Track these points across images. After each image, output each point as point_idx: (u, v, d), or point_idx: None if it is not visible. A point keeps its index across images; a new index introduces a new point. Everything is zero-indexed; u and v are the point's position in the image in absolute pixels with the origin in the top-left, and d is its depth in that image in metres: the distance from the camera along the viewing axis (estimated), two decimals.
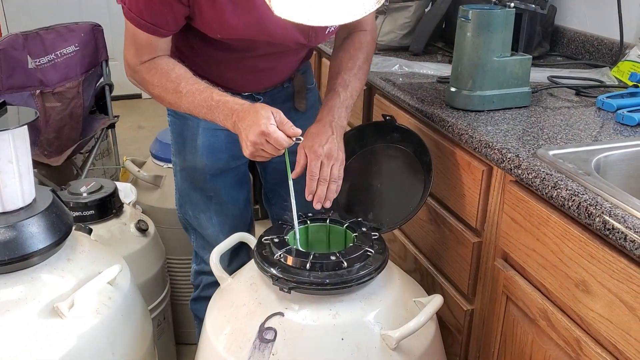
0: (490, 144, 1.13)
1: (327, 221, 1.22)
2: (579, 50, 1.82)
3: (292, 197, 1.15)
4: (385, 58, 1.74)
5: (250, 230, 1.53)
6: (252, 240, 1.24)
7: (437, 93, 1.45)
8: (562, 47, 1.88)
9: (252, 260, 1.14)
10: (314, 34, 1.24)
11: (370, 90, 1.71)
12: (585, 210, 0.90)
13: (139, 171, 1.91)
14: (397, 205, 1.27)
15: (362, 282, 1.06)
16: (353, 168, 1.33)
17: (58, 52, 2.35)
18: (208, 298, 1.21)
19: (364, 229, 1.17)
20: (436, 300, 1.08)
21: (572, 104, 1.37)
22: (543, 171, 1.01)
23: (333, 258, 1.06)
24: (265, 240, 1.13)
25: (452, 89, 1.34)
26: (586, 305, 0.93)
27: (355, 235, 1.15)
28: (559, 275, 0.98)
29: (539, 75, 1.55)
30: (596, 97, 1.37)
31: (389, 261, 1.15)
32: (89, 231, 1.35)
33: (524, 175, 1.04)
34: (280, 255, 1.08)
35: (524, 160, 1.05)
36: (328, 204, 1.19)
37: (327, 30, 1.25)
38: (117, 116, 2.65)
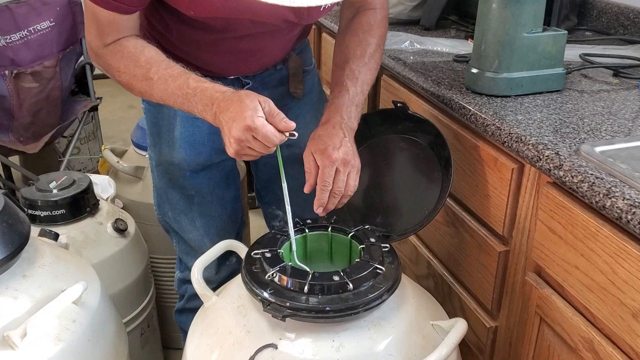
0: (523, 137, 0.96)
1: (329, 229, 1.04)
2: (611, 23, 1.63)
3: (286, 203, 0.98)
4: (394, 33, 1.54)
5: (241, 232, 1.36)
6: (241, 249, 1.09)
7: (455, 74, 1.27)
8: (591, 21, 1.70)
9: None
10: (305, 10, 1.05)
11: None
12: None
13: (118, 162, 1.73)
14: (410, 207, 1.12)
15: (370, 307, 0.90)
16: None
17: (31, 28, 2.18)
18: (194, 310, 1.09)
19: (372, 240, 1.00)
20: (459, 327, 0.92)
21: (612, 87, 1.20)
22: (592, 174, 0.84)
23: (336, 278, 0.90)
24: (256, 254, 0.96)
25: (474, 70, 1.15)
26: None
27: (362, 248, 0.98)
28: (609, 300, 0.83)
29: (569, 53, 1.35)
30: (639, 78, 1.22)
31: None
32: (55, 236, 1.22)
33: (567, 178, 0.87)
34: (273, 274, 0.91)
35: (566, 159, 0.88)
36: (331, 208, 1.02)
37: (322, 7, 1.05)
38: (100, 98, 2.46)
